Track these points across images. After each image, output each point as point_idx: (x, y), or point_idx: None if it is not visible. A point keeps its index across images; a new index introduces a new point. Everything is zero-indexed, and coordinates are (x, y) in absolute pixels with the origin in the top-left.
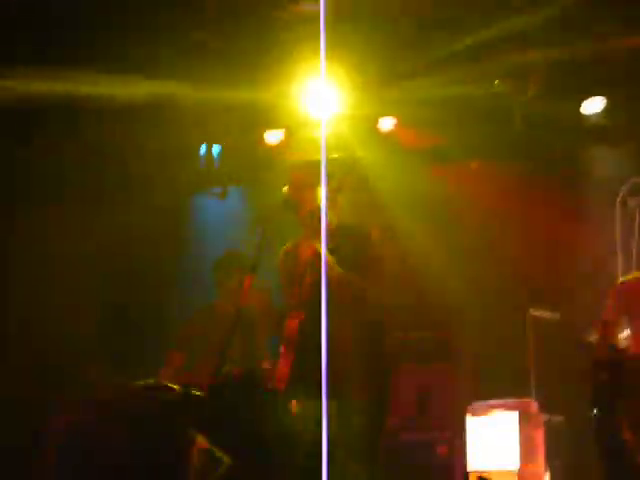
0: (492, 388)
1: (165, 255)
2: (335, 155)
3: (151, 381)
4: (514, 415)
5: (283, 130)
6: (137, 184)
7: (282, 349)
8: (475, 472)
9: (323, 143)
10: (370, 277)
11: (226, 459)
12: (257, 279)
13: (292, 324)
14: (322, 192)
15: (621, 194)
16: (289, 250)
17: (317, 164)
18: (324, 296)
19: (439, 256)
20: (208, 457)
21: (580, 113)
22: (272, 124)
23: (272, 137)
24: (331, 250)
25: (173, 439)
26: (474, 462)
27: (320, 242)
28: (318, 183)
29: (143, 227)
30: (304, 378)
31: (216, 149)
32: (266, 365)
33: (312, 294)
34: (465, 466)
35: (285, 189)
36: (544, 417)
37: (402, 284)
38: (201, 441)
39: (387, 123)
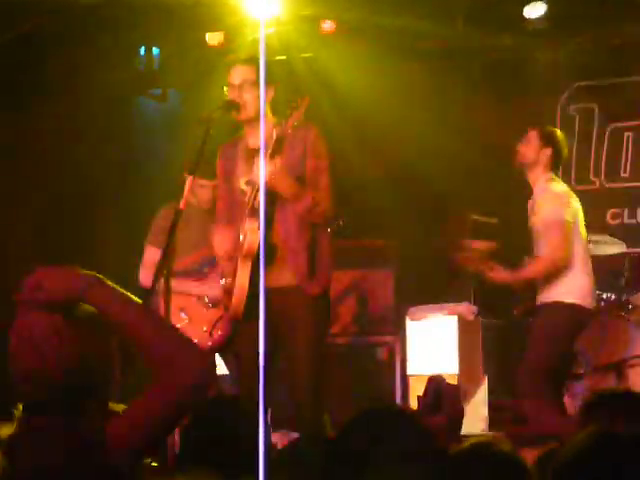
0: (432, 292)
1: (109, 153)
2: (278, 57)
3: None
4: (453, 319)
5: (223, 31)
6: (77, 83)
7: (240, 262)
8: (414, 375)
9: (262, 43)
10: (318, 184)
11: None
12: None
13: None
14: (262, 92)
15: (562, 99)
16: (227, 147)
17: (258, 63)
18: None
19: (379, 160)
20: None
21: (522, 16)
22: (212, 25)
23: (212, 38)
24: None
25: None
26: (413, 366)
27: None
28: (255, 82)
29: (84, 128)
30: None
31: (155, 51)
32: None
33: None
34: (405, 369)
35: (225, 89)
36: (482, 321)
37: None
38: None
39: (328, 25)
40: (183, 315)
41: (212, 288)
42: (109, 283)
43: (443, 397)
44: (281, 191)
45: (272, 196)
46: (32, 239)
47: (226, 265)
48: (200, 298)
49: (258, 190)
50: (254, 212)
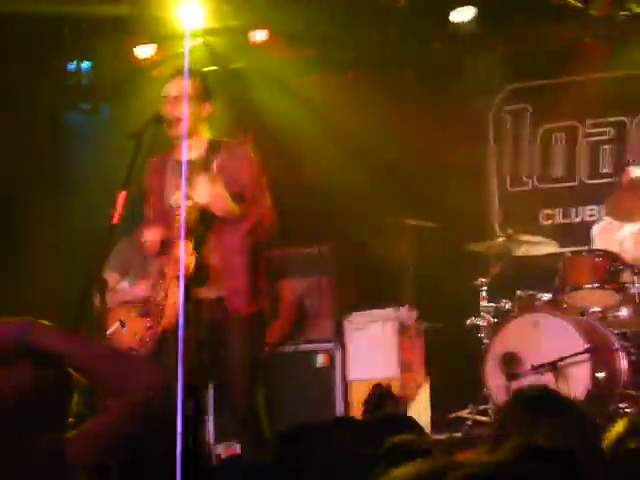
0: (371, 297)
1: (41, 169)
2: (210, 68)
3: None
4: (393, 324)
5: (153, 44)
6: (9, 99)
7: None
8: (355, 381)
9: (186, 55)
10: (259, 201)
11: None
12: None
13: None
14: (185, 105)
15: (495, 100)
16: (156, 161)
17: (190, 77)
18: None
19: (313, 165)
20: None
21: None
22: (142, 38)
23: (142, 51)
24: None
25: None
26: (354, 371)
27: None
28: (190, 96)
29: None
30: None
31: (86, 65)
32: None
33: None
34: (346, 376)
35: (158, 103)
36: (423, 325)
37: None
38: None
39: (259, 35)
40: (121, 325)
41: (142, 291)
42: (44, 323)
43: (385, 403)
44: (220, 213)
45: (210, 216)
46: None
47: (158, 280)
48: (135, 308)
49: (193, 208)
50: (189, 232)
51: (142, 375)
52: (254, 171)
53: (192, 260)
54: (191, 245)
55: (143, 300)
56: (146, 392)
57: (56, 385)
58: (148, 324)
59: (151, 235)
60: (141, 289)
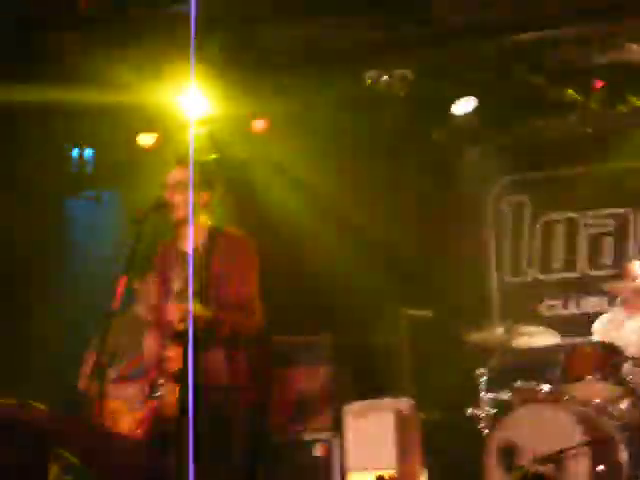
0: (369, 388)
1: (43, 258)
2: (213, 156)
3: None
4: (390, 416)
5: (156, 132)
6: (15, 186)
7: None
8: (353, 470)
9: (191, 143)
10: (247, 295)
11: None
12: None
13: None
14: (190, 193)
15: (493, 192)
16: (166, 246)
17: (194, 166)
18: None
19: (317, 253)
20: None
21: (450, 114)
22: (145, 126)
23: (145, 139)
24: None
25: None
26: (352, 462)
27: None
28: (189, 184)
29: (19, 234)
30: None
31: (89, 152)
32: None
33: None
34: (343, 466)
35: (160, 191)
36: (421, 416)
37: (277, 284)
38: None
39: (260, 123)
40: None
41: (140, 392)
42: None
43: None
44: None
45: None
46: None
47: (156, 379)
48: (129, 401)
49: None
50: (180, 336)
51: (127, 455)
52: (246, 266)
53: (180, 364)
54: (181, 350)
55: (134, 396)
56: (131, 472)
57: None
58: (139, 417)
59: (150, 345)
60: (134, 388)
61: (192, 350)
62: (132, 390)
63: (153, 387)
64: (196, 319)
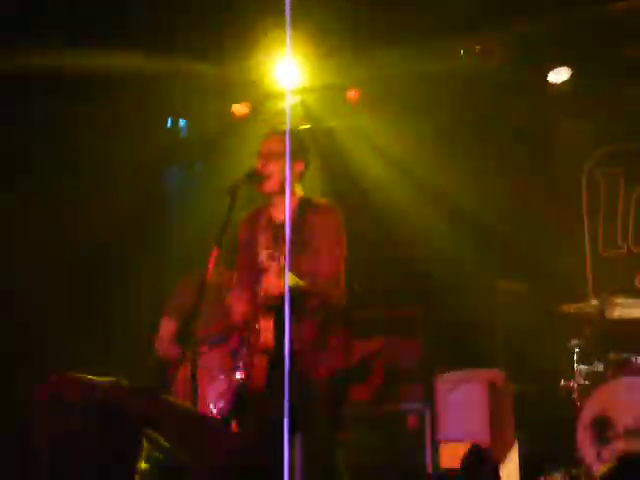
0: (462, 359)
1: (143, 230)
2: (305, 126)
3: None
4: (482, 386)
5: (250, 102)
6: (106, 157)
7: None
8: (445, 442)
9: (288, 113)
10: (332, 268)
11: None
12: None
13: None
14: (287, 162)
15: (588, 164)
16: (248, 219)
17: (284, 135)
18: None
19: (409, 227)
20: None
21: (547, 82)
22: (240, 96)
23: (238, 109)
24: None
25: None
26: (444, 433)
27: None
28: (283, 154)
29: (117, 206)
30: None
31: (182, 122)
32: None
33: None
34: (436, 437)
35: (254, 160)
36: (512, 387)
37: (372, 254)
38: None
39: (354, 94)
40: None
41: (220, 362)
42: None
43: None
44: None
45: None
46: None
47: (238, 350)
48: (210, 370)
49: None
50: (270, 310)
51: (222, 440)
52: (338, 239)
53: (271, 337)
54: (271, 322)
55: (215, 365)
56: (227, 456)
57: (121, 442)
58: (221, 389)
59: (237, 303)
60: (214, 357)
61: (288, 322)
62: (213, 359)
63: (235, 358)
64: (290, 290)
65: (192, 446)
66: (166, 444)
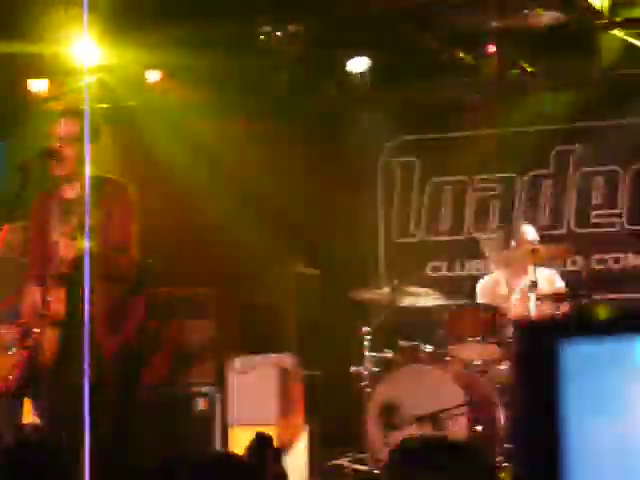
0: (255, 343)
1: None
2: (102, 105)
3: None
4: (272, 371)
5: (47, 79)
6: None
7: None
8: (234, 426)
9: (86, 93)
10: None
11: None
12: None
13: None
14: (87, 142)
15: (383, 152)
16: (44, 196)
17: (78, 116)
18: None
19: (206, 210)
20: None
21: (345, 72)
22: (36, 73)
23: (36, 86)
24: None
25: None
26: (234, 416)
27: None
28: (77, 136)
29: None
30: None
31: None
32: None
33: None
34: (226, 420)
35: (48, 140)
36: (303, 372)
37: (165, 236)
38: None
39: (154, 75)
40: None
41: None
42: None
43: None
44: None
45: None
46: None
47: (32, 323)
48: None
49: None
50: (61, 279)
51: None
52: (130, 216)
53: (62, 308)
54: (62, 293)
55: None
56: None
57: None
58: (12, 362)
59: (29, 302)
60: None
61: (88, 292)
62: (5, 332)
63: (26, 332)
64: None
65: None
66: None
